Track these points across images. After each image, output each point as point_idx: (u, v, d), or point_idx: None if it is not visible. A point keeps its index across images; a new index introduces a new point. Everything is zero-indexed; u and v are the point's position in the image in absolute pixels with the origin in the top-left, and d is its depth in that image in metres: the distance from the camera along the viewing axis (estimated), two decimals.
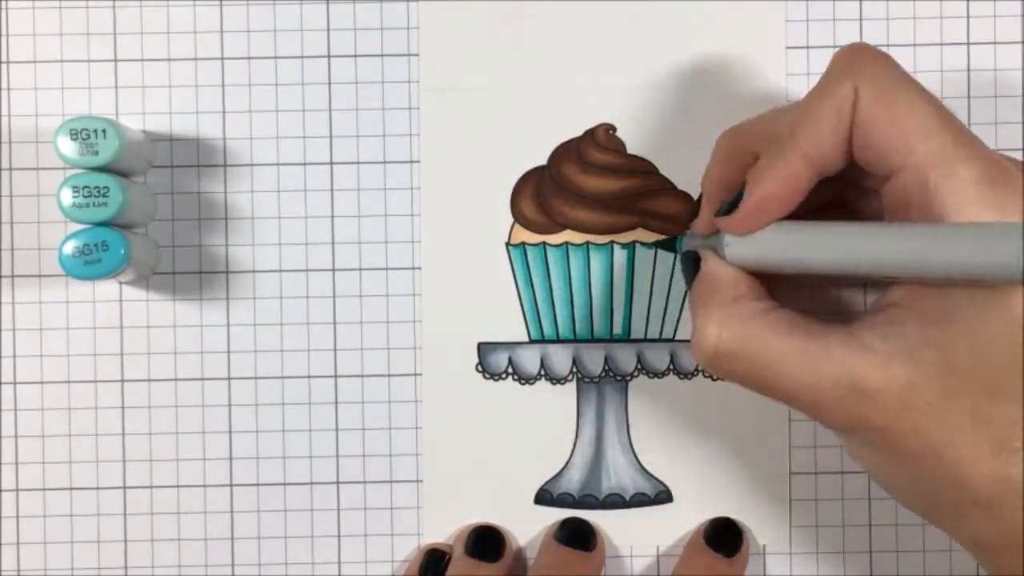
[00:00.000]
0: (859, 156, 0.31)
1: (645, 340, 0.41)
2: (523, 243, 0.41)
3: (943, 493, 0.30)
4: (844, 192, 0.35)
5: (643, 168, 0.41)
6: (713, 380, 0.41)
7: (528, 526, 0.41)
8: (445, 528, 0.41)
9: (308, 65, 0.41)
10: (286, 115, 0.41)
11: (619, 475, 0.41)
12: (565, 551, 0.40)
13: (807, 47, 0.41)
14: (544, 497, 0.41)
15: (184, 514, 0.41)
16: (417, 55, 0.41)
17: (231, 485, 0.41)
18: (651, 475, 0.41)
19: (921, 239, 0.29)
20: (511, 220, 0.41)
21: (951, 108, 0.41)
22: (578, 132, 0.41)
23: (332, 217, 0.41)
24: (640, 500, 0.41)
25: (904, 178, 0.30)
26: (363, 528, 0.41)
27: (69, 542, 0.41)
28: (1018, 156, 0.41)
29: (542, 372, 0.41)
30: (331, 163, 0.41)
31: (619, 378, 0.41)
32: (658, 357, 0.41)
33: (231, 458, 0.41)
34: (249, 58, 0.41)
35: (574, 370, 0.41)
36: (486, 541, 0.40)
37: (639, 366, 0.41)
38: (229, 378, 0.41)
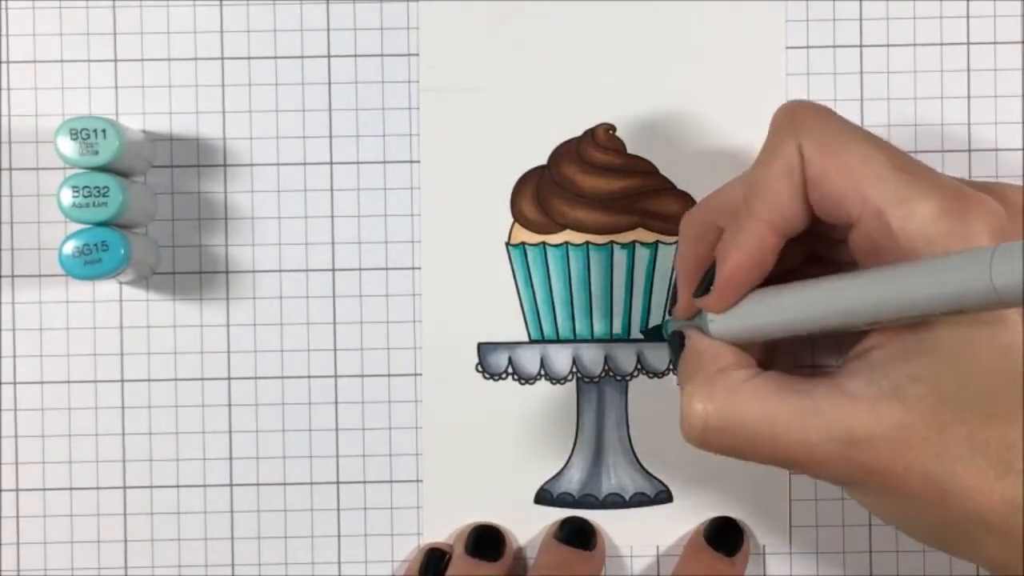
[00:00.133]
0: (818, 210, 0.32)
1: (645, 340, 0.41)
2: (523, 243, 0.41)
3: (955, 525, 0.30)
4: (817, 247, 0.35)
5: (643, 168, 0.41)
6: None
7: (528, 526, 0.41)
8: (445, 528, 0.41)
9: (308, 65, 0.41)
10: (286, 115, 0.41)
11: (619, 475, 0.41)
12: (565, 550, 0.40)
13: (807, 47, 0.41)
14: (544, 497, 0.41)
15: (184, 514, 0.41)
16: (417, 55, 0.41)
17: (231, 485, 0.41)
18: (651, 475, 0.41)
19: (891, 280, 0.29)
20: (511, 220, 0.41)
21: (952, 109, 0.41)
22: (578, 132, 0.41)
23: (332, 217, 0.41)
24: (640, 500, 0.41)
25: (865, 225, 0.30)
26: (363, 528, 0.41)
27: (69, 542, 0.41)
28: (1018, 156, 0.41)
29: (542, 372, 0.41)
30: (331, 163, 0.41)
31: (619, 378, 0.41)
32: (658, 357, 0.41)
33: (231, 458, 0.41)
34: (249, 58, 0.41)
35: (574, 370, 0.41)
36: (486, 541, 0.40)
37: (639, 366, 0.41)
38: (229, 378, 0.41)
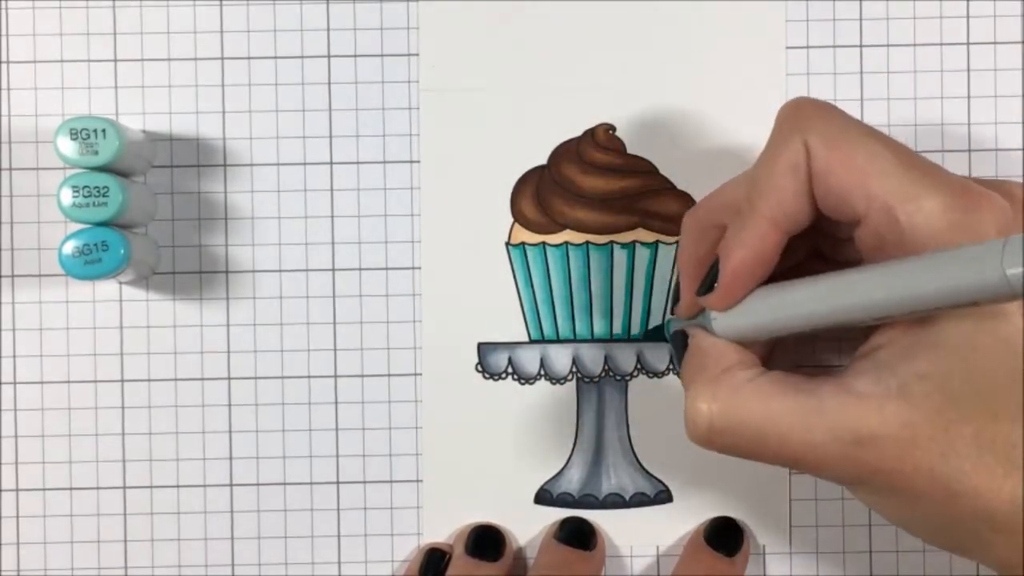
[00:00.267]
0: (824, 207, 0.31)
1: (645, 340, 0.41)
2: (523, 243, 0.41)
3: (962, 524, 0.30)
4: (821, 245, 0.35)
5: (643, 168, 0.41)
6: None
7: (528, 526, 0.41)
8: (445, 528, 0.41)
9: (308, 65, 0.41)
10: (286, 115, 0.41)
11: (619, 475, 0.41)
12: (565, 550, 0.40)
13: (807, 47, 0.41)
14: (544, 497, 0.41)
15: (184, 514, 0.41)
16: (417, 55, 0.41)
17: (231, 485, 0.41)
18: (651, 475, 0.41)
19: (901, 275, 0.29)
20: (511, 220, 0.41)
21: (952, 109, 0.41)
22: (578, 132, 0.41)
23: (332, 217, 0.41)
24: (640, 500, 0.41)
25: (872, 221, 0.30)
26: (363, 528, 0.41)
27: (69, 542, 0.41)
28: (1018, 156, 0.41)
29: (542, 372, 0.41)
30: (331, 163, 0.41)
31: (619, 378, 0.41)
32: (658, 357, 0.41)
33: (231, 458, 0.41)
34: (249, 58, 0.41)
35: (574, 370, 0.41)
36: (486, 541, 0.40)
37: (639, 366, 0.41)
38: (229, 378, 0.41)
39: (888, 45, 0.41)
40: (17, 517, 0.41)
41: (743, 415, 0.31)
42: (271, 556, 0.41)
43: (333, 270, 0.41)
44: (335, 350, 0.41)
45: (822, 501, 0.41)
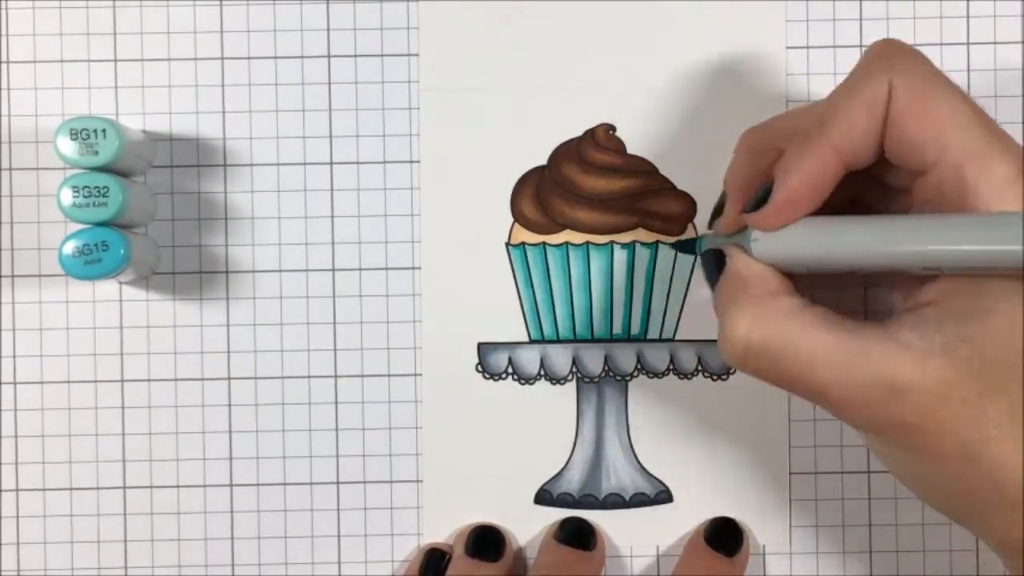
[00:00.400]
0: (891, 151, 0.31)
1: (645, 340, 0.41)
2: (523, 243, 0.41)
3: (974, 492, 0.30)
4: (865, 191, 0.35)
5: (643, 168, 0.41)
6: (713, 380, 0.41)
7: (528, 526, 0.41)
8: (445, 528, 0.41)
9: (308, 65, 0.41)
10: (286, 115, 0.41)
11: (619, 475, 0.41)
12: (565, 551, 0.40)
13: (807, 47, 0.41)
14: (544, 497, 0.41)
15: (184, 514, 0.41)
16: (417, 55, 0.41)
17: (231, 485, 0.41)
18: (651, 475, 0.41)
19: (956, 228, 0.29)
20: (511, 220, 0.41)
21: None
22: (578, 132, 0.41)
23: (332, 217, 0.41)
24: (640, 500, 0.41)
25: (938, 174, 0.30)
26: (363, 528, 0.41)
27: (69, 542, 0.41)
28: None
29: (542, 372, 0.41)
30: (331, 163, 0.41)
31: (619, 378, 0.41)
32: (658, 357, 0.41)
33: (231, 458, 0.41)
34: (249, 58, 0.41)
35: (574, 370, 0.41)
36: (486, 541, 0.40)
37: (639, 366, 0.41)
38: (229, 378, 0.41)
39: None
40: (17, 517, 0.41)
41: (784, 341, 0.31)
42: (271, 556, 0.41)
43: (333, 270, 0.41)
44: (335, 350, 0.41)
45: (822, 501, 0.41)
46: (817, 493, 0.41)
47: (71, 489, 0.41)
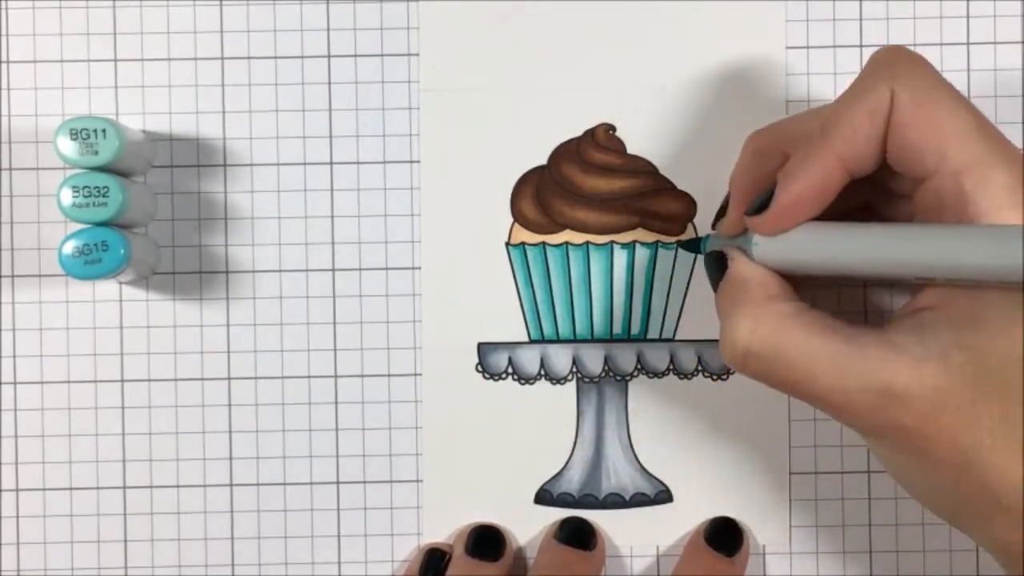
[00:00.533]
0: (893, 158, 0.31)
1: (645, 340, 0.41)
2: (523, 243, 0.41)
3: (969, 498, 0.30)
4: (871, 197, 0.35)
5: (643, 168, 0.41)
6: (713, 380, 0.41)
7: (528, 526, 0.41)
8: (445, 528, 0.41)
9: (308, 65, 0.41)
10: (286, 115, 0.41)
11: (619, 475, 0.41)
12: (565, 550, 0.40)
13: (807, 47, 0.41)
14: (544, 497, 0.41)
15: (184, 514, 0.41)
16: (417, 55, 0.41)
17: (231, 485, 0.41)
18: (651, 475, 0.41)
19: (953, 239, 0.29)
20: (511, 220, 0.41)
21: None
22: (578, 132, 0.41)
23: (332, 217, 0.41)
24: (640, 500, 0.41)
25: (938, 181, 0.30)
26: (363, 528, 0.41)
27: (69, 542, 0.41)
28: None
29: (542, 372, 0.41)
30: (331, 163, 0.41)
31: (619, 378, 0.41)
32: (658, 357, 0.41)
33: (231, 458, 0.41)
34: (249, 58, 0.41)
35: (574, 370, 0.41)
36: (486, 541, 0.40)
37: (639, 366, 0.41)
38: (229, 378, 0.41)
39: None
40: (17, 517, 0.41)
41: (783, 345, 0.31)
42: (271, 556, 0.41)
43: (333, 270, 0.41)
44: (335, 350, 0.41)
45: (822, 501, 0.41)
46: (817, 493, 0.41)
47: (71, 489, 0.41)
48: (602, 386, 0.41)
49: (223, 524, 0.41)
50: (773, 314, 0.32)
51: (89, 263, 0.36)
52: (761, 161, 0.35)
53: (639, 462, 0.41)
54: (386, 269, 0.41)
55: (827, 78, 0.41)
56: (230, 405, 0.41)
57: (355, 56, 0.41)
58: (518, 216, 0.41)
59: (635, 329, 0.41)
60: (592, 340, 0.41)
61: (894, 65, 0.32)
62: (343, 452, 0.41)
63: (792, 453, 0.41)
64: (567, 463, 0.41)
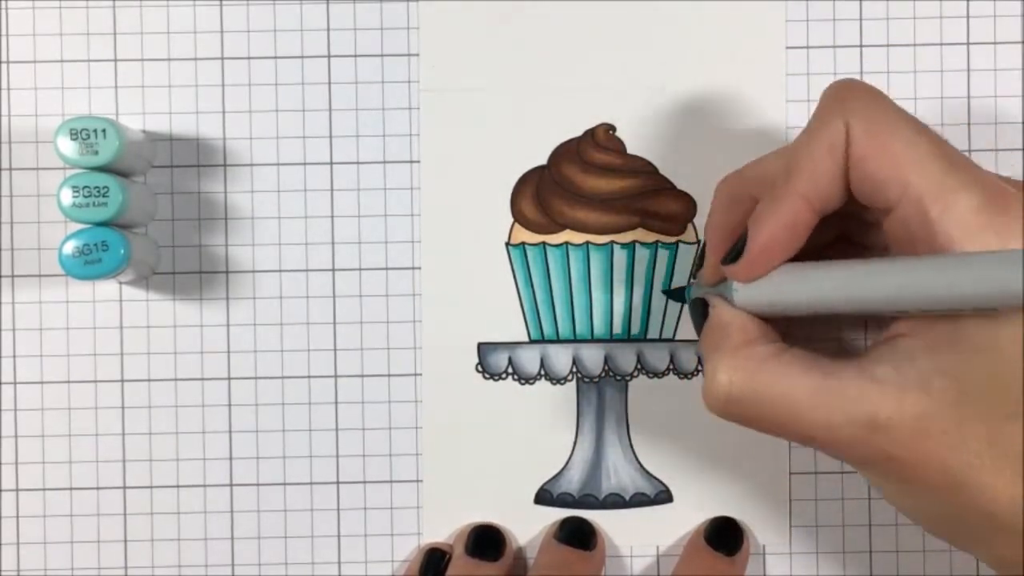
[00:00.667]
0: (857, 192, 0.31)
1: (645, 340, 0.41)
2: (523, 243, 0.41)
3: (966, 519, 0.30)
4: (846, 228, 0.35)
5: (643, 168, 0.41)
6: None
7: (528, 526, 0.41)
8: (445, 528, 0.41)
9: (308, 65, 0.41)
10: (286, 115, 0.41)
11: (619, 475, 0.41)
12: (565, 550, 0.40)
13: (807, 47, 0.41)
14: (544, 497, 0.41)
15: (184, 514, 0.41)
16: (417, 55, 0.41)
17: (231, 485, 0.41)
18: (651, 475, 0.41)
19: (926, 272, 0.29)
20: (511, 220, 0.41)
21: (952, 109, 0.41)
22: (578, 132, 0.41)
23: (332, 217, 0.41)
24: (640, 500, 0.41)
25: (903, 211, 0.30)
26: (363, 528, 0.41)
27: (69, 542, 0.41)
28: (1018, 156, 0.41)
29: (542, 372, 0.41)
30: (331, 163, 0.41)
31: (619, 378, 0.41)
32: (658, 357, 0.41)
33: (231, 458, 0.41)
34: (249, 58, 0.41)
35: (574, 370, 0.41)
36: (486, 541, 0.40)
37: (639, 366, 0.41)
38: (229, 378, 0.41)
39: (888, 45, 0.41)
40: (17, 517, 0.41)
41: (762, 388, 0.32)
42: (271, 556, 0.41)
43: (333, 270, 0.41)
44: (335, 350, 0.41)
45: (822, 501, 0.41)
46: (817, 493, 0.41)
47: (71, 489, 0.41)
48: (602, 386, 0.41)
49: (223, 524, 0.41)
50: (750, 358, 0.32)
51: (89, 263, 0.36)
52: (731, 209, 0.35)
53: (639, 462, 0.41)
54: (386, 269, 0.41)
55: (827, 78, 0.41)
56: (230, 405, 0.41)
57: (355, 56, 0.41)
58: (518, 216, 0.41)
59: (635, 329, 0.41)
60: (592, 340, 0.41)
61: (845, 100, 0.31)
62: (343, 452, 0.41)
63: (792, 453, 0.41)
64: (567, 463, 0.41)
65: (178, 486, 0.41)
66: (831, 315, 0.32)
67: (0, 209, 0.41)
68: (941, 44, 0.41)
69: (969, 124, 0.41)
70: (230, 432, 0.41)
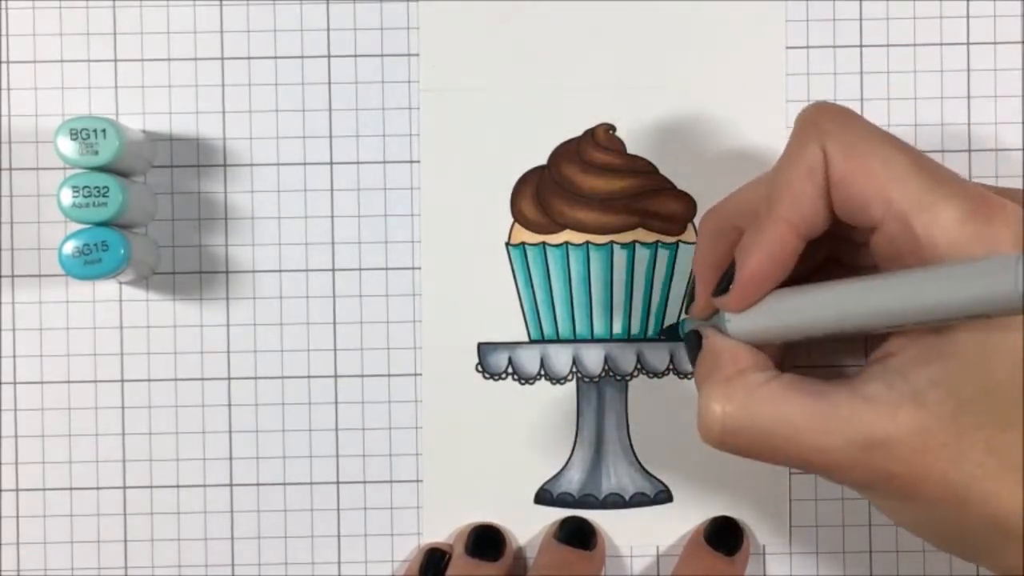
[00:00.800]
0: (840, 213, 0.31)
1: (645, 340, 0.41)
2: (523, 243, 0.41)
3: (972, 531, 0.30)
4: (837, 249, 0.35)
5: (643, 168, 0.41)
6: None
7: (528, 526, 0.41)
8: (445, 528, 0.41)
9: (308, 65, 0.41)
10: (286, 115, 0.41)
11: (619, 475, 0.41)
12: (565, 550, 0.40)
13: (807, 47, 0.41)
14: (544, 497, 0.41)
15: (184, 514, 0.41)
16: (417, 55, 0.41)
17: (231, 485, 0.41)
18: (651, 475, 0.41)
19: (917, 284, 0.29)
20: (511, 220, 0.41)
21: (952, 109, 0.41)
22: (578, 132, 0.41)
23: (332, 217, 0.41)
24: (640, 500, 0.41)
25: (888, 228, 0.30)
26: (363, 528, 0.41)
27: (69, 542, 0.41)
28: (1018, 157, 0.41)
29: (542, 372, 0.41)
30: (331, 163, 0.41)
31: (619, 378, 0.41)
32: (658, 357, 0.41)
33: (231, 458, 0.41)
34: (249, 58, 0.41)
35: (574, 370, 0.41)
36: (486, 541, 0.40)
37: (639, 366, 0.41)
38: (229, 378, 0.41)
39: (888, 45, 0.41)
40: (17, 517, 0.41)
41: (756, 417, 0.31)
42: (271, 556, 0.41)
43: (333, 270, 0.41)
44: (335, 350, 0.41)
45: (822, 501, 0.41)
46: (817, 493, 0.41)
47: (71, 489, 0.41)
48: (602, 386, 0.41)
49: (223, 524, 0.41)
50: (743, 387, 0.32)
51: (89, 263, 0.36)
52: (717, 242, 0.35)
53: (639, 462, 0.41)
54: (386, 269, 0.41)
55: (827, 78, 0.41)
56: (230, 405, 0.41)
57: (355, 56, 0.41)
58: (518, 216, 0.41)
59: (635, 329, 0.41)
60: (592, 340, 0.41)
61: (819, 123, 0.31)
62: (343, 452, 0.41)
63: None
64: (567, 463, 0.41)
65: (178, 486, 0.41)
66: (828, 340, 0.32)
67: (0, 209, 0.41)
68: (941, 44, 0.41)
69: (969, 124, 0.41)
70: (230, 432, 0.41)
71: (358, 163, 0.41)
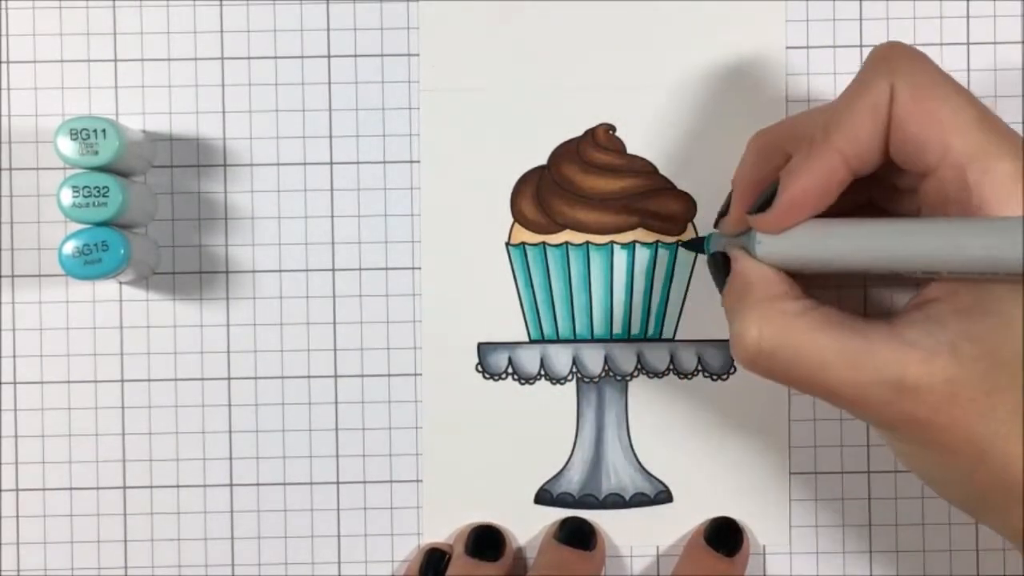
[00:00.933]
0: (896, 154, 0.31)
1: (645, 340, 0.41)
2: (523, 243, 0.41)
3: (987, 488, 0.30)
4: (874, 194, 0.35)
5: (643, 168, 0.41)
6: (713, 380, 0.41)
7: (528, 526, 0.41)
8: (445, 528, 0.41)
9: (308, 65, 0.41)
10: (286, 115, 0.41)
11: (619, 475, 0.41)
12: (565, 550, 0.40)
13: (807, 47, 0.41)
14: (544, 497, 0.41)
15: (184, 514, 0.41)
16: (417, 55, 0.41)
17: (231, 485, 0.41)
18: (651, 475, 0.41)
19: (958, 233, 0.29)
20: (511, 220, 0.41)
21: None
22: (578, 132, 0.41)
23: (332, 217, 0.41)
24: (640, 500, 0.41)
25: (942, 175, 0.30)
26: (363, 528, 0.41)
27: (69, 542, 0.41)
28: None
29: (542, 372, 0.41)
30: (331, 163, 0.41)
31: (619, 378, 0.41)
32: (658, 357, 0.41)
33: (231, 458, 0.41)
34: (249, 58, 0.41)
35: (574, 370, 0.41)
36: (486, 541, 0.40)
37: (639, 366, 0.41)
38: (229, 378, 0.41)
39: None
40: (17, 517, 0.41)
41: (793, 345, 0.31)
42: (271, 556, 0.41)
43: (333, 270, 0.41)
44: (335, 350, 0.41)
45: (822, 501, 0.41)
46: (817, 493, 0.41)
47: (71, 489, 0.41)
48: (602, 386, 0.41)
49: (223, 524, 0.41)
50: (779, 313, 0.32)
51: (89, 263, 0.36)
52: (764, 160, 0.35)
53: (639, 462, 0.41)
54: (386, 269, 0.41)
55: (827, 78, 0.41)
56: (230, 405, 0.41)
57: (355, 56, 0.41)
58: (518, 216, 0.41)
59: (635, 329, 0.41)
60: (592, 340, 0.41)
61: (892, 60, 0.31)
62: (343, 452, 0.41)
63: (792, 453, 0.41)
64: (567, 463, 0.41)
65: (178, 486, 0.41)
66: (853, 274, 0.32)
67: (0, 209, 0.41)
68: (941, 44, 0.41)
69: None
70: (230, 432, 0.41)
71: (358, 163, 0.41)
